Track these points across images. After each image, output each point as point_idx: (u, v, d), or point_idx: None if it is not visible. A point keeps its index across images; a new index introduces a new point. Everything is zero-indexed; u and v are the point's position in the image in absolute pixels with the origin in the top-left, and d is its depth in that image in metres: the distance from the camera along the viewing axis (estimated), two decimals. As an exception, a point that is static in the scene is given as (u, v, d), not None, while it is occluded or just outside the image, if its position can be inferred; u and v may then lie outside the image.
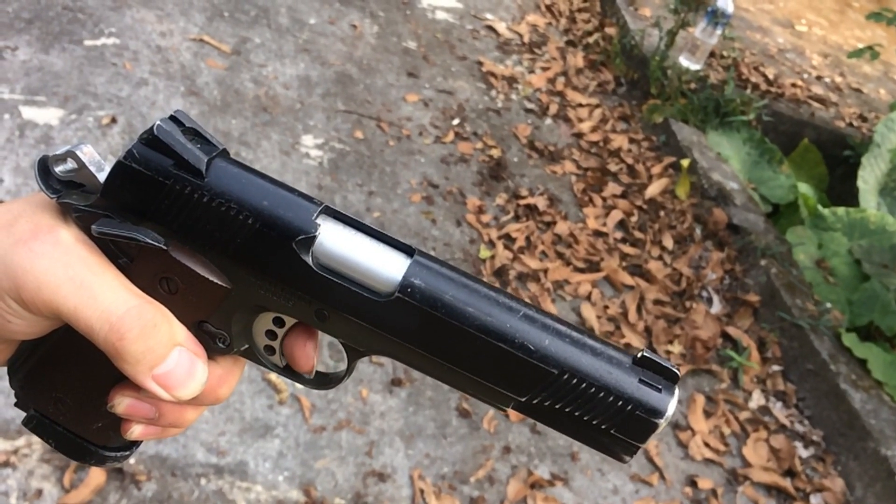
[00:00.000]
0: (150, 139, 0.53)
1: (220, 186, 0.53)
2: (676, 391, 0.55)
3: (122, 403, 0.58)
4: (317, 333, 0.61)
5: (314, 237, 0.53)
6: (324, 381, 0.64)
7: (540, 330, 0.54)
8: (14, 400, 0.64)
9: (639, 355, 0.55)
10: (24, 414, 0.64)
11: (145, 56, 3.59)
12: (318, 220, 0.54)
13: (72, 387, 0.61)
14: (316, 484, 2.30)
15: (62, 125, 3.06)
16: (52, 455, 2.09)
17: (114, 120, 3.18)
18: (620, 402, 0.54)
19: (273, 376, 2.49)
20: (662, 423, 0.54)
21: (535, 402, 0.55)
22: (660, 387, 0.55)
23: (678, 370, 0.55)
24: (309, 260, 0.54)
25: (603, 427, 0.55)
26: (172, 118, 0.54)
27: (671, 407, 0.54)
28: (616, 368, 0.54)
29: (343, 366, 0.63)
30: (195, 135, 0.55)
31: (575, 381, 0.54)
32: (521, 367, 0.54)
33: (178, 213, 0.53)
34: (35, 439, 2.09)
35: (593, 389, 0.54)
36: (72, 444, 0.63)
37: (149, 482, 2.14)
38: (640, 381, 0.54)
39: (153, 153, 0.53)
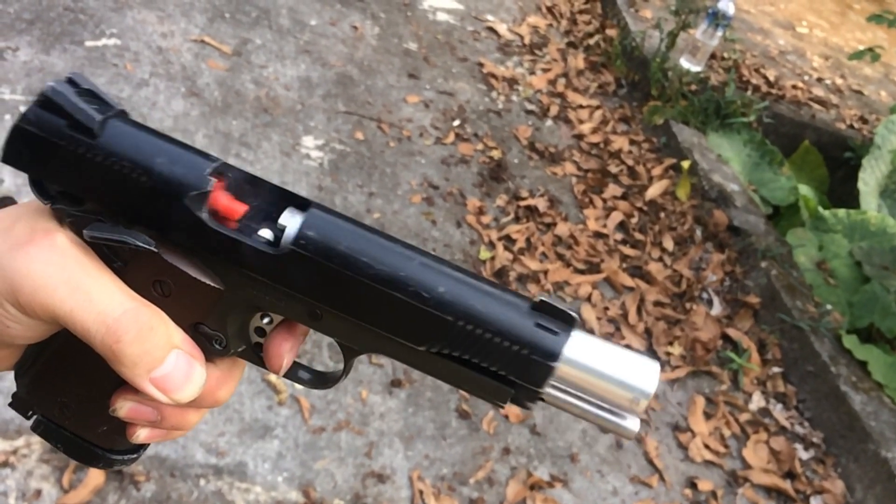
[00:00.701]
0: (44, 101, 0.53)
1: (113, 146, 0.53)
2: (573, 333, 0.54)
3: (123, 407, 0.58)
4: (298, 334, 0.61)
5: (207, 193, 0.53)
6: (322, 380, 0.64)
7: (435, 276, 0.53)
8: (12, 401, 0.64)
9: (537, 300, 0.54)
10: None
11: (146, 57, 3.60)
12: (212, 177, 0.53)
13: (75, 391, 0.61)
14: (315, 485, 2.30)
15: (63, 126, 3.06)
16: (51, 455, 2.09)
17: (114, 121, 3.18)
18: (516, 347, 0.53)
19: (273, 377, 2.49)
20: (559, 365, 0.53)
21: (432, 351, 0.54)
22: (556, 330, 0.54)
23: (575, 313, 0.54)
24: (203, 216, 0.53)
25: (501, 373, 0.54)
26: (69, 80, 0.54)
27: (567, 349, 0.53)
28: (513, 312, 0.53)
29: (341, 367, 0.63)
30: (92, 96, 0.55)
31: (470, 327, 0.53)
32: (416, 316, 0.53)
33: (73, 174, 0.53)
34: (35, 439, 2.10)
35: (489, 335, 0.53)
36: (79, 448, 0.63)
37: (148, 483, 2.14)
38: (536, 324, 0.53)
39: (47, 114, 0.53)
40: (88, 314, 0.51)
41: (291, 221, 0.54)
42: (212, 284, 0.55)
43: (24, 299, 0.51)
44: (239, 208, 0.55)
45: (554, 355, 0.53)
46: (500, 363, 0.54)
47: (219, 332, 0.58)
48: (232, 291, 0.56)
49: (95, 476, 2.08)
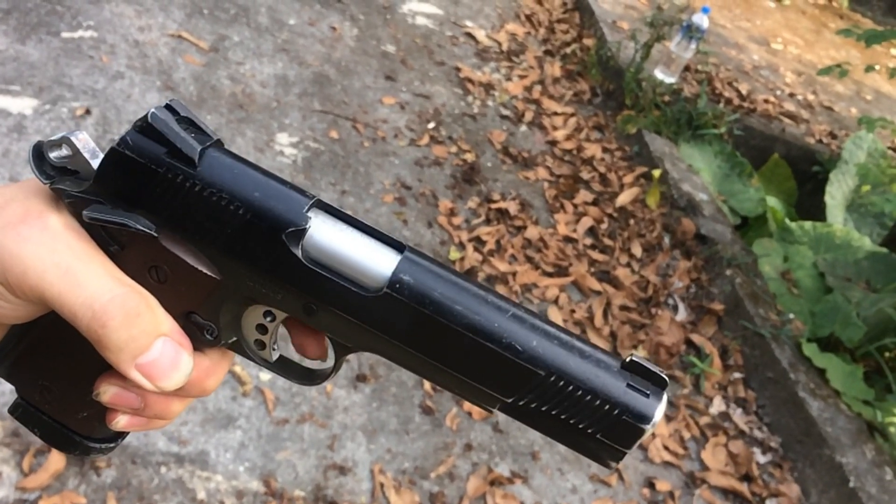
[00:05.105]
0: (144, 126, 0.53)
1: (212, 176, 0.53)
2: (665, 397, 0.55)
3: (107, 392, 0.57)
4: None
5: (304, 230, 0.53)
6: (310, 376, 0.64)
7: (528, 330, 0.54)
8: None
9: (627, 359, 0.55)
10: None
11: (122, 50, 3.61)
12: (310, 214, 0.54)
13: (58, 375, 0.61)
14: (276, 475, 2.31)
15: (36, 115, 3.06)
16: (11, 439, 2.10)
17: (88, 111, 3.18)
18: (607, 407, 0.53)
19: (238, 368, 2.51)
20: (649, 428, 0.53)
21: (521, 403, 0.54)
22: (647, 392, 0.54)
23: (666, 376, 0.55)
24: (298, 253, 0.53)
25: (589, 431, 0.54)
26: (168, 107, 0.55)
27: (659, 413, 0.54)
28: (604, 372, 0.54)
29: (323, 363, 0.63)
30: (190, 124, 0.55)
31: (562, 383, 0.53)
32: (508, 368, 0.53)
33: (170, 202, 0.53)
34: (-5, 423, 2.10)
35: (580, 392, 0.53)
36: (57, 433, 0.63)
37: (108, 469, 2.14)
38: (628, 385, 0.54)
39: (147, 141, 0.53)
40: (76, 298, 0.51)
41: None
42: (209, 274, 0.55)
43: (13, 280, 0.51)
44: None
45: (646, 418, 0.53)
46: (588, 421, 0.54)
47: (211, 322, 0.58)
48: (229, 282, 0.56)
49: (56, 460, 2.08)
